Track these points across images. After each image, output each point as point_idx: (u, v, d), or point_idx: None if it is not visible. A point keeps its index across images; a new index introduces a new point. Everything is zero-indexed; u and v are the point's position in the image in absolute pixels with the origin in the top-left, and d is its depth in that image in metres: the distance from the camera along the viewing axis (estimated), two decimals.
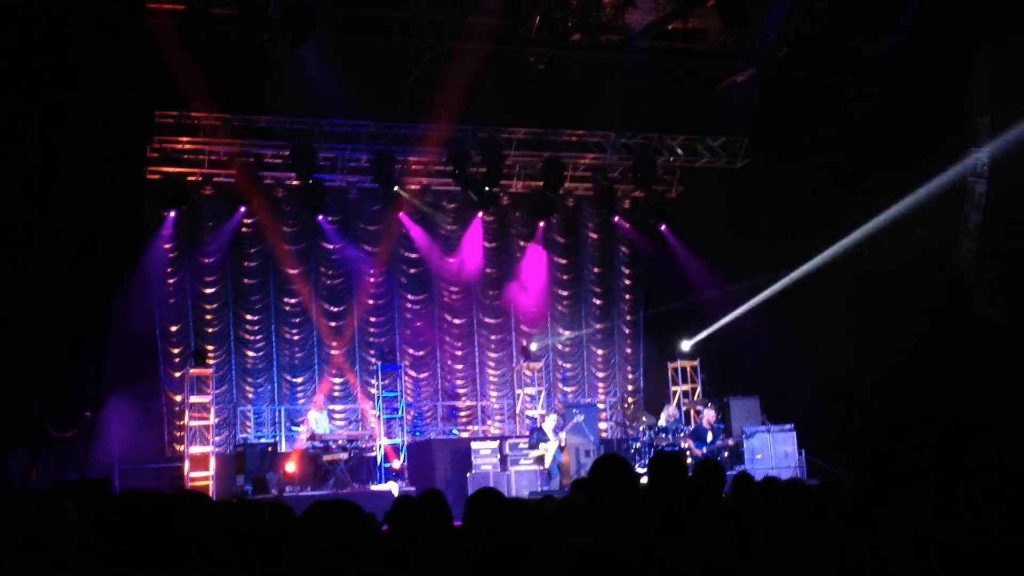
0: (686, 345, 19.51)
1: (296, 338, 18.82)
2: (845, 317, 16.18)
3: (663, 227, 20.50)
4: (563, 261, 20.82)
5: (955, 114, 14.37)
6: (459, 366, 20.00)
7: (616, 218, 20.64)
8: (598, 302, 20.99)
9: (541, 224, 20.21)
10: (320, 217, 18.55)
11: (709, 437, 16.26)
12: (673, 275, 20.07)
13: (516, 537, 3.47)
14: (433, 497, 4.71)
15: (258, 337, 18.55)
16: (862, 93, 15.54)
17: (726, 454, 16.16)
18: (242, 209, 18.07)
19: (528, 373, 19.50)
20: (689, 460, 14.92)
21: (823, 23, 15.91)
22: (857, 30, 15.84)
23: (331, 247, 19.08)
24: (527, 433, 17.28)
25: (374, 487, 16.36)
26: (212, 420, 17.02)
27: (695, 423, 17.31)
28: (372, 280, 19.36)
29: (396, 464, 17.44)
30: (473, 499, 4.70)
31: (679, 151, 19.65)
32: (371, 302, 19.40)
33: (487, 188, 18.87)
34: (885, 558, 2.11)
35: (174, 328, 17.84)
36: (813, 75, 16.41)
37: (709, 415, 16.64)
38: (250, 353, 18.47)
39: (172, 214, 17.58)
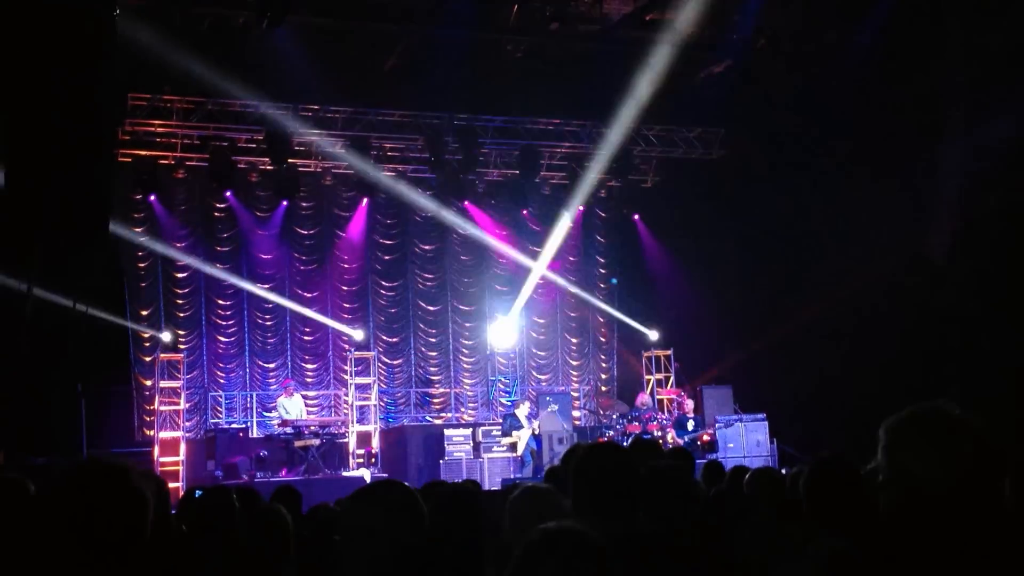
0: (655, 335, 19.61)
1: (268, 323, 18.72)
2: (817, 307, 16.28)
3: (636, 217, 20.53)
4: (538, 249, 20.80)
5: (931, 107, 14.46)
6: (433, 353, 19.98)
7: (584, 207, 20.58)
8: (573, 290, 20.99)
9: (524, 212, 20.22)
10: (285, 202, 18.41)
11: (690, 426, 16.34)
12: (648, 264, 20.13)
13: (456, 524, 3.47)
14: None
15: (230, 322, 18.44)
16: (838, 86, 15.61)
17: (698, 443, 16.25)
18: (228, 193, 17.92)
19: (501, 360, 19.50)
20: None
21: (800, 15, 15.96)
22: (834, 23, 15.90)
23: (305, 232, 19.00)
24: (500, 420, 17.30)
25: (346, 473, 16.32)
26: (183, 405, 16.92)
27: (675, 412, 17.35)
28: (346, 266, 19.30)
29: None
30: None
31: (655, 141, 19.67)
32: (345, 288, 19.34)
33: (463, 176, 18.82)
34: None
35: (145, 312, 17.70)
36: (790, 67, 16.46)
37: (688, 404, 16.73)
38: (222, 338, 18.37)
39: (152, 198, 17.43)
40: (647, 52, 16.22)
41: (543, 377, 20.63)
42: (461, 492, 4.15)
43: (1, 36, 13.24)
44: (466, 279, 20.29)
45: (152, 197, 17.50)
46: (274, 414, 17.30)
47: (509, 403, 18.11)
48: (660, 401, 18.78)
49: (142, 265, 17.71)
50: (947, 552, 2.17)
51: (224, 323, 18.37)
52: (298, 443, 16.10)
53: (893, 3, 14.91)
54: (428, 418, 19.15)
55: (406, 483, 3.25)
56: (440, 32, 15.22)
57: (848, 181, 15.81)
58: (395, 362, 19.59)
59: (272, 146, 17.16)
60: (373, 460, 17.21)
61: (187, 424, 17.16)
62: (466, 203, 19.86)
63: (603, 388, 20.85)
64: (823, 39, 16.17)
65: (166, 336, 17.35)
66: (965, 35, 13.73)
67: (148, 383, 17.34)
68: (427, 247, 19.99)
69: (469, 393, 20.12)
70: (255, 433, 17.47)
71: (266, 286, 18.64)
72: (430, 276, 20.03)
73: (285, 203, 18.47)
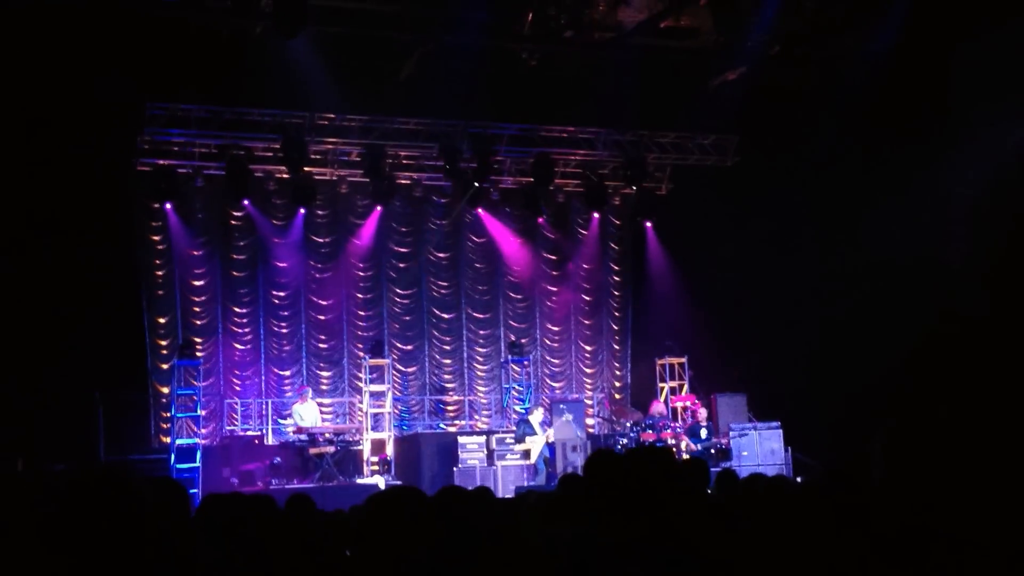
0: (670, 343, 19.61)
1: (284, 331, 18.80)
2: (833, 314, 16.25)
3: (648, 224, 20.49)
4: (552, 257, 20.84)
5: (946, 113, 14.43)
6: (447, 360, 20.01)
7: (598, 215, 20.59)
8: (587, 298, 21.01)
9: (539, 220, 20.25)
10: (302, 210, 18.49)
11: (704, 434, 16.33)
12: (660, 271, 20.12)
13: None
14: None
15: (246, 330, 18.53)
16: (853, 92, 15.59)
17: (713, 452, 16.23)
18: (245, 201, 18.01)
19: (516, 368, 19.51)
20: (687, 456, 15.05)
21: (814, 22, 15.95)
22: (848, 29, 15.89)
23: (321, 240, 19.08)
24: (514, 427, 17.31)
25: (360, 480, 16.36)
26: (199, 412, 16.99)
27: (688, 420, 17.33)
28: (361, 274, 19.37)
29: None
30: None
31: (670, 148, 19.67)
32: (360, 296, 19.40)
33: (477, 183, 18.87)
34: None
35: (162, 320, 17.81)
36: (804, 74, 16.45)
37: (702, 413, 16.71)
38: (238, 346, 18.45)
39: (169, 206, 17.52)
40: (661, 59, 16.26)
41: (557, 385, 20.64)
42: (475, 498, 4.17)
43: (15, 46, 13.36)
44: (480, 287, 20.33)
45: (169, 206, 17.61)
46: (289, 421, 17.38)
47: (523, 411, 18.13)
48: (673, 409, 18.74)
49: (159, 273, 17.81)
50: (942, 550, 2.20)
51: (240, 331, 18.46)
52: (313, 450, 16.15)
53: (907, 10, 14.89)
54: (442, 425, 19.17)
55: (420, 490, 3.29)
56: (455, 41, 15.27)
57: (863, 187, 15.79)
58: (409, 370, 19.64)
59: (288, 155, 17.24)
60: (387, 467, 17.24)
61: (203, 431, 17.23)
62: (481, 211, 19.91)
63: (617, 396, 20.83)
64: (837, 45, 16.15)
65: None
66: (979, 42, 13.70)
67: (165, 390, 17.42)
68: (442, 255, 20.04)
69: (483, 401, 20.14)
70: (270, 440, 17.54)
71: (282, 293, 18.73)
72: (444, 284, 20.07)
73: (302, 211, 18.54)
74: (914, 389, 13.89)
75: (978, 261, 13.99)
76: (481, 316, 20.33)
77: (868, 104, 15.41)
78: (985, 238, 14.04)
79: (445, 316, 20.03)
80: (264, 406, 18.35)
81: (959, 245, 14.35)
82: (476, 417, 19.97)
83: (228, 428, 17.91)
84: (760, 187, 17.70)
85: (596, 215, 20.61)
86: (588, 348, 21.01)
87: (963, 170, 14.26)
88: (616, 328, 21.20)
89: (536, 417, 16.63)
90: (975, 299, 13.89)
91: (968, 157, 14.21)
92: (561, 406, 17.59)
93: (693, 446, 16.03)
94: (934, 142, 14.53)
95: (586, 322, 21.00)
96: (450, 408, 19.88)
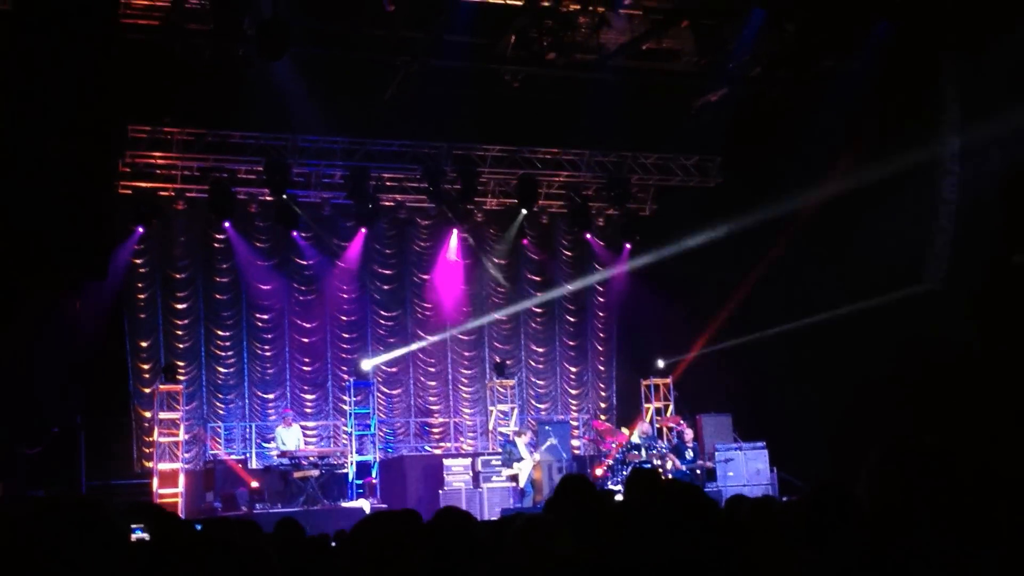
0: (661, 363, 19.58)
1: (268, 354, 18.70)
2: (818, 334, 16.28)
3: (633, 245, 20.48)
4: (537, 278, 20.84)
5: (926, 136, 14.54)
6: (432, 383, 19.95)
7: (589, 235, 20.64)
8: (572, 319, 21.01)
9: (523, 241, 20.25)
10: (294, 233, 18.45)
11: (689, 455, 16.30)
12: (646, 292, 20.12)
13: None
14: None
15: (229, 353, 18.43)
16: (835, 112, 15.70)
17: (698, 472, 16.21)
18: (227, 224, 17.92)
19: (501, 390, 19.47)
20: (672, 475, 15.02)
21: (795, 44, 16.07)
22: (828, 51, 16.01)
23: (304, 263, 19.01)
24: (499, 449, 17.25)
25: (345, 504, 16.26)
26: (182, 436, 16.87)
27: (675, 440, 17.32)
28: (345, 296, 19.31)
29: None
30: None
31: (653, 169, 19.74)
32: (344, 318, 19.33)
33: (461, 205, 18.87)
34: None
35: (144, 343, 17.70)
36: (785, 95, 16.55)
37: (688, 433, 16.70)
38: (221, 369, 18.35)
39: (140, 229, 17.39)
40: (643, 81, 16.33)
41: (542, 406, 20.59)
42: (453, 518, 4.14)
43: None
44: (465, 308, 20.29)
45: (151, 228, 17.50)
46: (272, 445, 17.26)
47: (508, 432, 18.07)
48: (659, 430, 18.71)
49: (141, 296, 17.71)
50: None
51: (223, 354, 18.36)
52: (297, 474, 16.03)
53: (887, 32, 15.02)
54: (427, 448, 19.09)
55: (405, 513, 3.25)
56: (438, 63, 15.31)
57: (845, 208, 15.86)
58: (394, 392, 19.56)
59: (271, 177, 17.20)
60: (372, 491, 17.14)
61: (186, 455, 17.10)
62: (464, 232, 19.90)
63: (602, 417, 20.80)
64: (818, 67, 16.27)
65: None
66: (959, 67, 13.83)
67: (147, 414, 17.30)
68: (426, 276, 20.00)
69: (468, 423, 20.08)
70: (254, 464, 17.42)
71: (265, 316, 18.64)
72: (429, 306, 20.03)
73: (295, 234, 18.47)
74: (899, 409, 13.92)
75: (961, 281, 14.05)
76: (466, 338, 20.28)
77: (850, 124, 15.52)
78: (967, 259, 14.11)
79: (430, 338, 19.97)
80: (248, 430, 18.24)
81: (940, 265, 14.42)
82: (461, 439, 19.90)
83: (211, 452, 17.77)
84: (743, 207, 17.76)
85: (581, 236, 20.62)
86: (573, 369, 20.99)
87: (944, 191, 14.34)
88: (601, 349, 21.19)
89: (522, 440, 16.56)
90: (958, 319, 13.94)
91: (949, 178, 14.30)
92: (546, 427, 17.54)
93: (679, 464, 15.98)
94: (917, 161, 14.62)
95: (571, 343, 21.00)
96: (435, 430, 19.81)
